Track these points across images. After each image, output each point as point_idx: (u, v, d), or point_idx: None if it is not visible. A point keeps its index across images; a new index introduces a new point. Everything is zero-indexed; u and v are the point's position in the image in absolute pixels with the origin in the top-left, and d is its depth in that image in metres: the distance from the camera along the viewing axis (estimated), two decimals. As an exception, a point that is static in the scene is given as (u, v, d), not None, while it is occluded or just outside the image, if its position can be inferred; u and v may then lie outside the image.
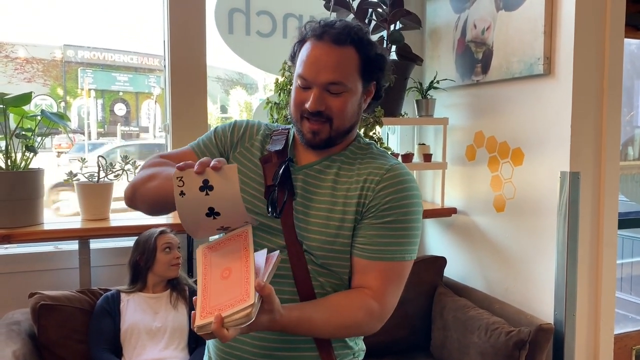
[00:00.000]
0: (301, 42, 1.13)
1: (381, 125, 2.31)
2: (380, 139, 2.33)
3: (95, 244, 2.24)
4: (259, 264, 0.98)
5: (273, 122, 2.32)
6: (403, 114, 2.54)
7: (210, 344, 1.22)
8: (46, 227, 2.04)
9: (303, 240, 1.11)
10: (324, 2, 2.42)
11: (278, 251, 1.04)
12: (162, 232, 1.97)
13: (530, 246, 2.13)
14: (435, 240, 2.72)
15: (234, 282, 0.90)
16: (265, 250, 1.02)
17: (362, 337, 1.25)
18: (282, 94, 2.30)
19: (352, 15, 2.42)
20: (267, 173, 1.16)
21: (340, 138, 1.14)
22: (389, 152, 2.39)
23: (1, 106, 1.98)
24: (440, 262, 2.42)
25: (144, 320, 1.89)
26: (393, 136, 2.82)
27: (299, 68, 1.11)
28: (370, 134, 2.30)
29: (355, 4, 2.43)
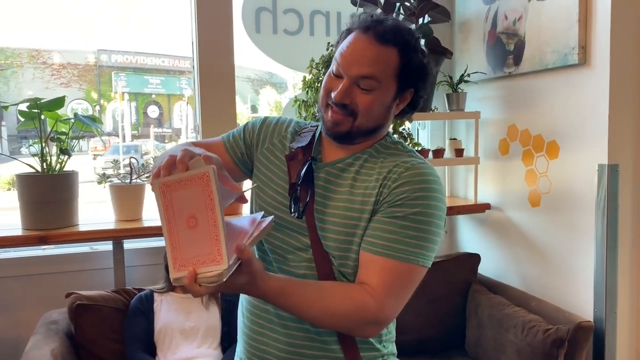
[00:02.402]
0: (348, 30, 1.10)
1: (411, 120, 2.28)
2: (410, 134, 2.30)
3: (128, 245, 2.27)
4: (244, 226, 0.96)
5: (301, 120, 2.31)
6: (433, 108, 2.50)
7: (239, 341, 1.22)
8: (81, 228, 2.07)
9: (322, 240, 1.09)
10: (351, -2, 2.40)
11: (272, 217, 1.02)
12: None
13: (567, 242, 2.07)
14: (468, 236, 2.67)
15: (202, 235, 0.87)
16: (258, 214, 1.00)
17: (393, 340, 1.21)
18: (309, 92, 2.29)
19: (379, 10, 2.39)
20: (292, 170, 1.15)
21: (361, 136, 1.11)
22: (419, 148, 2.38)
23: (36, 111, 2.02)
24: (474, 259, 2.37)
25: (177, 320, 1.91)
26: (423, 131, 2.78)
27: (337, 54, 1.09)
28: (400, 129, 2.27)
29: (383, -1, 2.41)
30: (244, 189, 1.01)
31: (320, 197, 1.12)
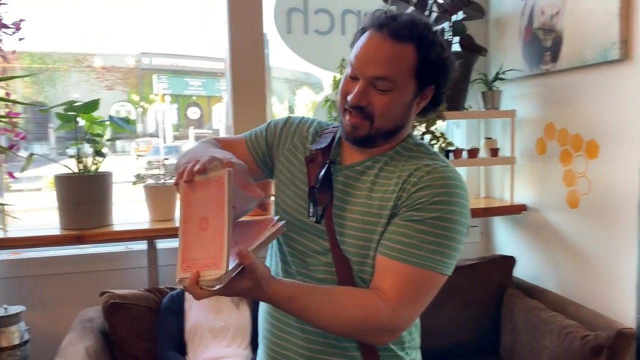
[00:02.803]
0: (362, 30, 1.07)
1: (443, 119, 2.23)
2: (442, 134, 2.25)
3: (162, 244, 2.30)
4: (258, 229, 0.95)
5: (331, 120, 2.30)
6: (467, 107, 2.45)
7: (260, 346, 1.21)
8: (116, 228, 2.12)
9: (341, 245, 1.07)
10: (382, -4, 2.37)
11: (283, 222, 0.99)
12: None
13: (608, 244, 1.98)
14: (504, 238, 2.60)
15: (210, 238, 0.86)
16: (272, 218, 0.98)
17: (417, 347, 1.18)
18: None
19: (412, 8, 2.35)
20: (311, 173, 1.13)
21: (381, 139, 1.08)
22: (453, 148, 2.33)
23: (72, 113, 2.08)
24: (509, 261, 2.31)
25: (207, 319, 1.93)
26: (458, 130, 2.72)
27: (351, 56, 1.06)
28: (432, 129, 2.23)
29: (415, -4, 2.37)
30: (265, 195, 1.00)
31: (339, 201, 1.09)
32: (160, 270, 2.24)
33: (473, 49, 2.41)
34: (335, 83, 2.28)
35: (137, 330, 1.94)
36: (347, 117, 1.06)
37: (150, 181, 2.24)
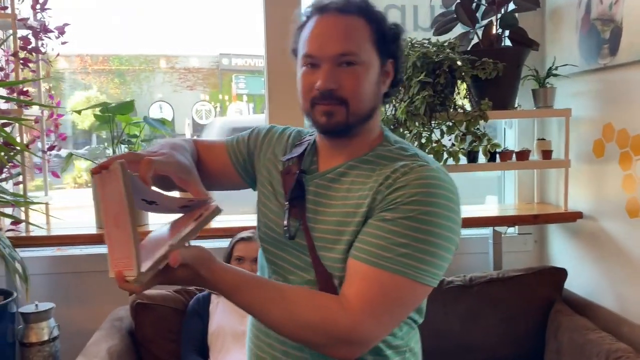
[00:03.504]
0: (301, 27, 1.01)
1: (486, 119, 2.08)
2: (485, 134, 2.10)
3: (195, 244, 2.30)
4: (187, 218, 0.88)
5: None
6: (517, 106, 2.27)
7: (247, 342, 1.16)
8: (151, 228, 2.14)
9: (322, 260, 0.98)
10: (426, -11, 2.25)
11: (215, 202, 0.90)
12: (240, 240, 1.95)
13: (670, 260, 1.77)
14: (557, 248, 2.40)
15: (122, 236, 0.80)
16: (207, 201, 0.90)
17: None
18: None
19: (458, 0, 2.22)
20: (287, 186, 1.07)
21: (359, 124, 0.99)
22: (499, 149, 2.17)
23: (108, 114, 2.12)
24: (559, 274, 2.11)
25: (231, 323, 1.90)
26: (510, 131, 2.54)
27: (302, 50, 0.99)
28: (473, 129, 2.08)
29: (461, -12, 2.22)
30: (212, 200, 0.91)
31: (311, 213, 1.02)
32: (193, 271, 2.24)
33: (524, 43, 2.24)
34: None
35: (162, 331, 1.94)
36: (318, 108, 0.98)
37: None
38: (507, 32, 2.24)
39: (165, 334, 1.95)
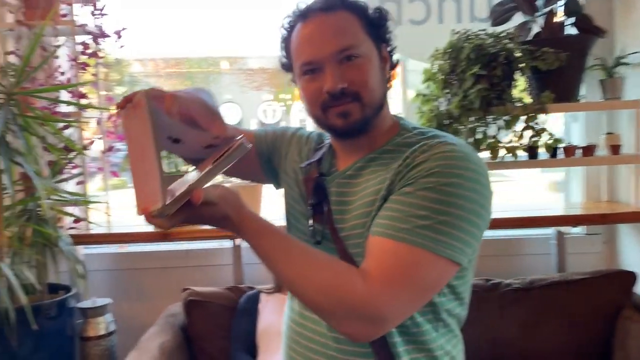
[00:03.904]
0: (286, 39, 1.00)
1: (547, 113, 1.96)
2: (544, 129, 1.98)
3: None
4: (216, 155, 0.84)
5: (421, 116, 2.14)
6: (580, 97, 2.13)
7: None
8: (202, 226, 2.16)
9: (355, 258, 0.94)
10: (482, -22, 2.15)
11: (242, 138, 0.84)
12: None
13: None
14: (628, 250, 2.23)
15: (147, 169, 0.78)
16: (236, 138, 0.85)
17: None
18: (430, 85, 2.11)
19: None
20: (308, 191, 1.05)
21: (374, 116, 0.96)
22: (562, 145, 2.04)
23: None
24: (628, 277, 1.95)
25: (280, 322, 1.89)
26: (576, 125, 2.39)
27: (297, 59, 0.97)
28: (533, 123, 1.97)
29: (520, -25, 2.11)
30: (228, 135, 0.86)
31: (338, 214, 0.99)
32: (245, 268, 2.26)
33: (590, 31, 2.09)
34: (426, 74, 2.12)
35: (213, 328, 1.97)
36: (332, 111, 0.95)
37: (236, 181, 2.26)
38: (571, 20, 2.10)
39: (217, 331, 1.97)
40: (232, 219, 0.84)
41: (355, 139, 1.00)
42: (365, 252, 0.89)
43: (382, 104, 0.99)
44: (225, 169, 0.84)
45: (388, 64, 1.01)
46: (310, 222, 1.02)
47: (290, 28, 1.00)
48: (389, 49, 1.02)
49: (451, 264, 0.85)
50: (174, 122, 0.83)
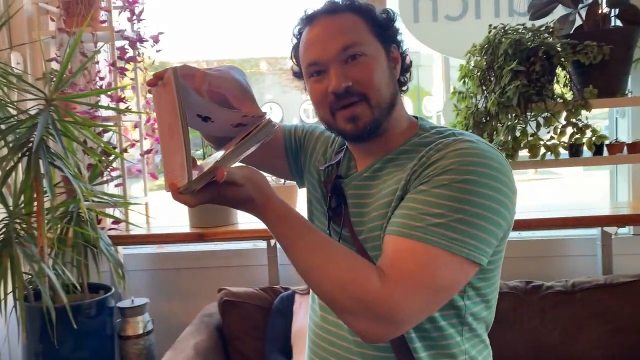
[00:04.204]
0: (296, 46, 0.99)
1: (589, 109, 1.88)
2: (588, 125, 1.90)
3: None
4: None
5: (457, 113, 2.09)
6: (627, 92, 2.03)
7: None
8: (241, 227, 2.18)
9: (376, 261, 0.93)
10: (522, -29, 2.09)
11: (268, 117, 0.83)
12: None
13: None
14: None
15: (175, 146, 0.77)
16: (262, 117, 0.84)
17: None
18: (467, 81, 2.06)
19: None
20: (327, 193, 1.03)
21: (384, 117, 0.94)
22: (607, 141, 1.95)
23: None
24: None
25: (313, 323, 1.89)
26: (623, 121, 2.28)
27: (303, 62, 0.96)
28: (574, 119, 1.89)
29: (562, -33, 2.03)
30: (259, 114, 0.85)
31: (356, 216, 0.97)
32: (280, 269, 2.27)
33: (637, 22, 1.99)
34: (462, 71, 2.07)
35: (248, 328, 1.98)
36: (340, 116, 0.93)
37: (270, 181, 2.26)
38: (615, 11, 2.01)
39: (251, 331, 1.98)
40: (256, 201, 0.82)
41: (370, 141, 0.98)
42: (382, 250, 0.87)
43: (393, 104, 0.96)
44: (252, 148, 0.82)
45: (399, 65, 0.99)
46: (329, 224, 1.01)
47: (299, 34, 0.99)
48: (400, 50, 1.00)
49: (469, 263, 0.82)
50: (204, 100, 0.83)
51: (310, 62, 0.94)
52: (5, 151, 1.68)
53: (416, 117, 1.03)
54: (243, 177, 0.80)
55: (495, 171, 0.83)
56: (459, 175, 0.82)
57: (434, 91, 3.00)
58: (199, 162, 0.83)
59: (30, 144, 1.60)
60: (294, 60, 1.02)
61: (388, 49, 0.97)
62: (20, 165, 1.72)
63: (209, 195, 0.78)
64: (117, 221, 2.14)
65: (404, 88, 1.02)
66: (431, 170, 0.85)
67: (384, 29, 0.97)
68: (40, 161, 1.58)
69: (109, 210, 2.15)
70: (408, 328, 0.85)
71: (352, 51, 0.91)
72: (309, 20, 0.96)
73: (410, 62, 1.02)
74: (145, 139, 2.33)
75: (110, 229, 2.15)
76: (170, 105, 0.78)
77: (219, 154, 0.81)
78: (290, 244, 0.85)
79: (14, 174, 1.74)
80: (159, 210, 2.41)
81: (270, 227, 0.85)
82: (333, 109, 0.94)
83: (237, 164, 0.83)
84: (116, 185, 2.21)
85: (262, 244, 2.33)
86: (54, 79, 1.95)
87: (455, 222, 0.80)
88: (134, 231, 2.20)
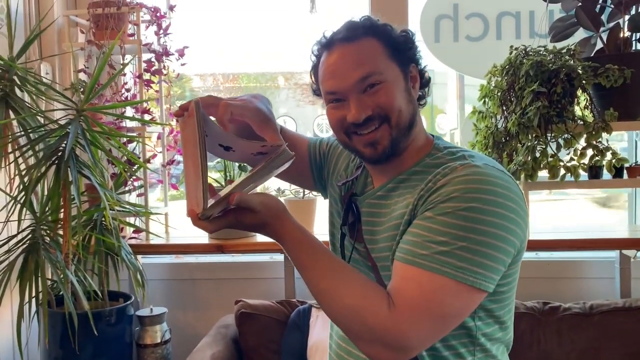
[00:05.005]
0: (315, 67, 1.01)
1: (610, 131, 1.89)
2: (608, 148, 1.91)
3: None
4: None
5: (477, 133, 2.11)
6: (647, 115, 2.04)
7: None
8: (258, 239, 2.20)
9: (385, 282, 0.94)
10: (541, -7, 2.11)
11: (284, 146, 0.87)
12: None
13: None
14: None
15: (195, 174, 0.82)
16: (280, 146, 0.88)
17: None
18: (487, 101, 2.08)
19: (579, 3, 2.05)
20: (344, 209, 1.07)
21: (404, 137, 0.95)
22: (628, 164, 1.95)
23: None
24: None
25: (330, 337, 1.89)
26: (644, 143, 2.29)
27: (322, 88, 0.98)
28: (594, 142, 1.90)
29: (581, -10, 2.06)
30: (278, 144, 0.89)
31: (368, 234, 0.99)
32: (297, 282, 2.28)
33: (657, 46, 2.01)
34: (482, 91, 2.09)
35: (264, 341, 1.99)
36: (359, 140, 0.96)
37: (289, 195, 2.29)
38: (637, 35, 2.03)
39: (268, 344, 1.99)
40: (272, 227, 0.86)
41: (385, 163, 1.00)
42: (392, 275, 0.89)
43: (412, 124, 0.97)
44: (269, 176, 0.88)
45: (418, 83, 1.01)
46: (342, 240, 1.04)
47: (318, 56, 1.01)
48: (419, 67, 1.01)
49: (474, 290, 0.83)
50: (224, 131, 0.87)
51: (329, 91, 0.97)
52: (32, 159, 1.72)
53: (432, 136, 1.04)
54: (260, 203, 0.84)
55: (501, 197, 0.84)
56: (463, 202, 0.83)
57: (448, 109, 3.01)
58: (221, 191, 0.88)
59: (60, 153, 1.64)
60: (313, 78, 1.05)
61: (406, 70, 0.98)
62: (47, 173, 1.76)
63: (226, 221, 0.83)
64: (137, 230, 2.17)
65: (422, 102, 1.04)
66: (436, 196, 0.87)
67: (402, 51, 0.97)
68: (69, 170, 1.62)
69: (130, 220, 2.18)
70: (418, 352, 0.87)
71: (370, 81, 0.93)
72: (327, 46, 0.98)
73: (429, 77, 1.04)
74: (168, 150, 2.37)
75: (130, 238, 2.18)
76: (192, 135, 0.83)
77: (237, 181, 0.87)
78: (304, 268, 0.89)
79: (41, 181, 1.78)
80: (177, 220, 2.44)
81: (287, 251, 0.89)
82: (349, 132, 0.96)
83: (257, 189, 0.88)
84: (138, 195, 2.24)
85: (279, 257, 2.35)
86: (82, 89, 2.00)
87: (460, 250, 0.82)
88: (154, 241, 2.23)
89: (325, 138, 1.23)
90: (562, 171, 1.94)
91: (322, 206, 2.29)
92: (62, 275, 1.70)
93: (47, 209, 1.79)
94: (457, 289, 0.82)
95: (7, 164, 1.74)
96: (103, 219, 1.93)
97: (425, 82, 1.03)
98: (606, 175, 1.98)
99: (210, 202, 0.81)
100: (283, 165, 0.88)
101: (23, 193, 1.66)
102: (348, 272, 0.89)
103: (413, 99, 0.99)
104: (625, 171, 1.98)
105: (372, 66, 0.93)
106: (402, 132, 0.95)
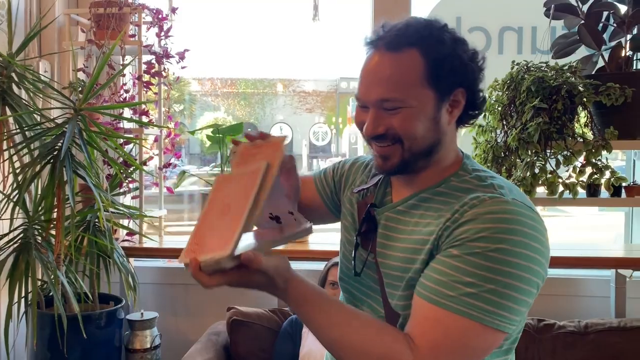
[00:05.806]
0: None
1: (609, 150, 1.88)
2: (607, 166, 1.90)
3: (296, 266, 2.31)
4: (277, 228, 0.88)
5: (476, 147, 2.10)
6: (647, 134, 2.04)
7: None
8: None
9: (389, 298, 0.92)
10: (544, 9, 2.11)
11: (309, 225, 0.89)
12: (335, 264, 1.93)
13: None
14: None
15: (227, 223, 0.78)
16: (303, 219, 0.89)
17: None
18: (487, 115, 2.07)
19: (581, 21, 2.05)
20: (359, 217, 1.03)
21: (419, 161, 0.92)
22: (626, 183, 1.95)
23: (219, 135, 2.21)
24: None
25: (321, 348, 1.87)
26: (644, 163, 2.29)
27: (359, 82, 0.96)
28: (594, 159, 1.90)
29: (585, 7, 2.06)
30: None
31: (381, 247, 0.96)
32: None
33: (659, 67, 2.01)
34: (490, 106, 2.08)
35: (255, 349, 1.97)
36: (375, 148, 0.93)
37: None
38: (638, 55, 2.03)
39: (259, 353, 1.97)
40: (278, 286, 0.85)
41: (408, 174, 0.97)
42: (412, 311, 0.87)
43: (431, 149, 0.92)
44: (284, 243, 0.91)
45: (458, 109, 0.91)
46: (353, 253, 1.01)
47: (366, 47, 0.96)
48: (472, 91, 0.92)
49: (499, 333, 0.82)
50: (289, 201, 0.90)
51: (357, 96, 0.95)
52: (27, 157, 1.70)
53: (462, 153, 0.99)
54: (274, 268, 0.82)
55: (529, 238, 0.82)
56: (492, 243, 0.80)
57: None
58: None
59: (56, 152, 1.62)
60: None
61: (445, 95, 0.89)
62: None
63: (233, 278, 0.80)
64: (131, 233, 2.14)
65: (471, 122, 0.97)
66: (463, 231, 0.83)
67: (446, 74, 0.88)
68: (64, 169, 1.60)
69: (124, 222, 2.15)
70: None
71: (389, 105, 0.88)
72: (372, 43, 0.92)
73: (483, 98, 0.95)
74: (165, 153, 2.35)
75: (123, 240, 2.15)
76: (244, 188, 0.81)
77: (250, 238, 0.85)
78: (312, 321, 0.88)
79: (35, 180, 1.75)
80: (170, 224, 2.42)
81: (292, 308, 0.88)
82: (369, 139, 0.94)
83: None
84: (133, 197, 2.22)
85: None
86: (81, 89, 1.98)
87: (487, 292, 0.80)
88: (147, 244, 2.20)
89: (329, 166, 1.20)
90: (561, 188, 1.93)
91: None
92: (52, 276, 1.67)
93: (40, 208, 1.76)
94: (483, 331, 0.81)
95: (1, 161, 1.72)
96: (97, 220, 1.91)
97: (477, 105, 0.94)
98: (604, 193, 1.97)
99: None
100: (302, 237, 0.93)
101: (17, 191, 1.63)
102: (358, 317, 0.87)
103: (439, 127, 0.91)
104: (623, 190, 1.98)
105: (397, 91, 0.87)
106: (415, 156, 0.91)
